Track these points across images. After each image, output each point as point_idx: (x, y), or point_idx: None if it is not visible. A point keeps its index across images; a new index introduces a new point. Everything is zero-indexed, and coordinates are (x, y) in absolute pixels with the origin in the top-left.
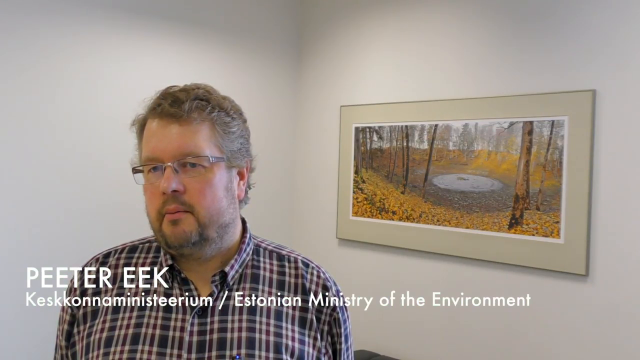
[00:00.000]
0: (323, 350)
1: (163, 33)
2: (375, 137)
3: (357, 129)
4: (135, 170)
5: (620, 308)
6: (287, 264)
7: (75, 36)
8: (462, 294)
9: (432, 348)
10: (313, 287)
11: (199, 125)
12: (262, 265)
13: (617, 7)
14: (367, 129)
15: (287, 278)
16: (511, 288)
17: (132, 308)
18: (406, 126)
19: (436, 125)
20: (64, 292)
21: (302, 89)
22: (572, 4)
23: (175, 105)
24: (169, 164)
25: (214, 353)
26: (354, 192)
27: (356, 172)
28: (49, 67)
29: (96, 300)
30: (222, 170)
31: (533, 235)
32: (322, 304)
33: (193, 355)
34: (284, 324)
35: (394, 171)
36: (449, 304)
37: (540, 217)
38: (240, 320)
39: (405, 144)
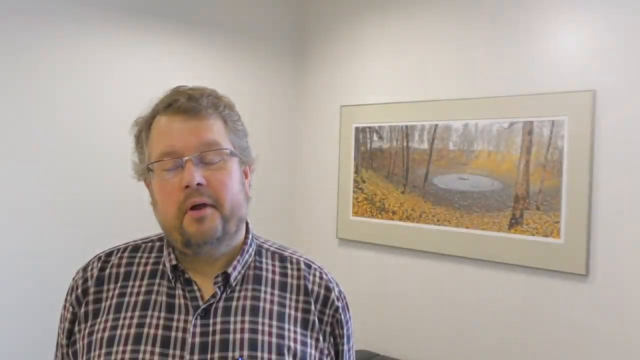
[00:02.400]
0: (325, 352)
1: (163, 33)
2: (375, 137)
3: (357, 129)
4: (148, 169)
5: (620, 308)
6: (289, 265)
7: (74, 36)
8: (462, 294)
9: (432, 348)
10: (315, 288)
11: (214, 120)
12: (264, 266)
13: (618, 7)
14: (367, 129)
15: (289, 279)
16: (511, 288)
17: (135, 308)
18: (406, 126)
19: (436, 125)
20: (66, 290)
21: (302, 89)
22: (572, 4)
23: (193, 100)
24: (189, 157)
25: (216, 354)
26: (354, 192)
27: (356, 172)
28: (49, 68)
29: (98, 299)
30: (236, 165)
31: (533, 235)
32: (325, 306)
33: (195, 357)
34: (286, 326)
35: (394, 171)
36: (448, 304)
37: (540, 217)
38: (242, 322)
39: (405, 144)
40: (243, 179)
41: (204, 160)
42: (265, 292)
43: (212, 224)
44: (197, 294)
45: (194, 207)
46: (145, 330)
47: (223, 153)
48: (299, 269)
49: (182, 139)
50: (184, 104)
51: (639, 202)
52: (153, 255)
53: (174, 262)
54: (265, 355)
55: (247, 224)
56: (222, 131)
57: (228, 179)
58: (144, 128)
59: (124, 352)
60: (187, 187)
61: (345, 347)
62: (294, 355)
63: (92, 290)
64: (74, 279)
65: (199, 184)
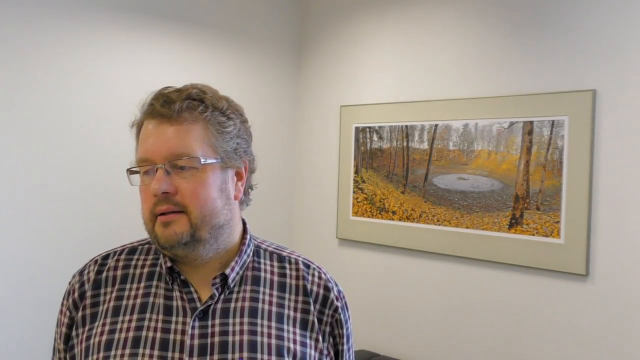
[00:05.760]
0: (325, 352)
1: (163, 33)
2: (375, 137)
3: (357, 129)
4: (131, 172)
5: (620, 308)
6: (288, 265)
7: (74, 36)
8: (462, 294)
9: (432, 348)
10: (314, 288)
11: (190, 126)
12: (262, 267)
13: (617, 6)
14: (367, 129)
15: (288, 280)
16: (511, 288)
17: (132, 311)
18: (406, 126)
19: (436, 125)
20: (63, 295)
21: (302, 89)
22: (572, 4)
23: (166, 105)
24: (160, 165)
25: (215, 357)
26: (354, 192)
27: (356, 172)
28: (47, 68)
29: (95, 303)
30: (216, 171)
31: (533, 235)
32: (324, 306)
33: (195, 359)
34: (285, 327)
35: (394, 171)
36: (448, 304)
37: (540, 217)
38: (241, 323)
39: (405, 144)
40: (226, 183)
41: (175, 167)
42: (264, 293)
43: (178, 229)
44: (195, 295)
45: (163, 213)
46: (144, 333)
47: (194, 162)
48: (297, 269)
49: (155, 146)
50: (158, 109)
51: (639, 202)
52: (150, 257)
53: (169, 264)
54: (265, 357)
55: (244, 224)
56: (199, 137)
57: (200, 188)
58: (136, 130)
59: (122, 355)
60: (155, 195)
61: (345, 347)
62: (294, 356)
63: (89, 294)
64: (70, 282)
65: (165, 193)
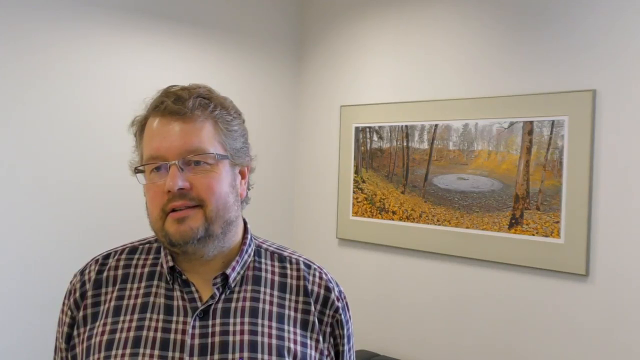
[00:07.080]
0: (325, 352)
1: (163, 33)
2: (375, 137)
3: (357, 129)
4: (137, 170)
5: (620, 308)
6: (288, 265)
7: (74, 36)
8: (462, 294)
9: (432, 348)
10: (315, 288)
11: (202, 123)
12: (263, 267)
13: (618, 7)
14: (367, 129)
15: (288, 280)
16: (511, 288)
17: (133, 310)
18: (406, 126)
19: (436, 125)
20: (64, 294)
21: (302, 89)
22: (572, 4)
23: (179, 102)
24: (174, 162)
25: (216, 356)
26: (354, 192)
27: (356, 172)
28: (48, 68)
29: (96, 302)
30: (227, 168)
31: (533, 235)
32: (325, 306)
33: (195, 359)
34: (286, 327)
35: (394, 171)
36: (449, 304)
37: (540, 217)
38: (242, 323)
39: (405, 144)
40: (235, 180)
41: (189, 164)
42: (265, 293)
43: (194, 224)
44: (195, 295)
45: (176, 209)
46: (144, 333)
47: (209, 158)
48: (298, 269)
49: (168, 142)
50: (170, 106)
51: (639, 202)
52: (151, 257)
53: (170, 264)
54: (266, 357)
55: (245, 224)
56: (210, 134)
57: (215, 182)
58: (139, 128)
59: (123, 355)
60: (169, 191)
61: (346, 347)
62: (294, 357)
63: (90, 293)
64: (71, 282)
65: (180, 189)
